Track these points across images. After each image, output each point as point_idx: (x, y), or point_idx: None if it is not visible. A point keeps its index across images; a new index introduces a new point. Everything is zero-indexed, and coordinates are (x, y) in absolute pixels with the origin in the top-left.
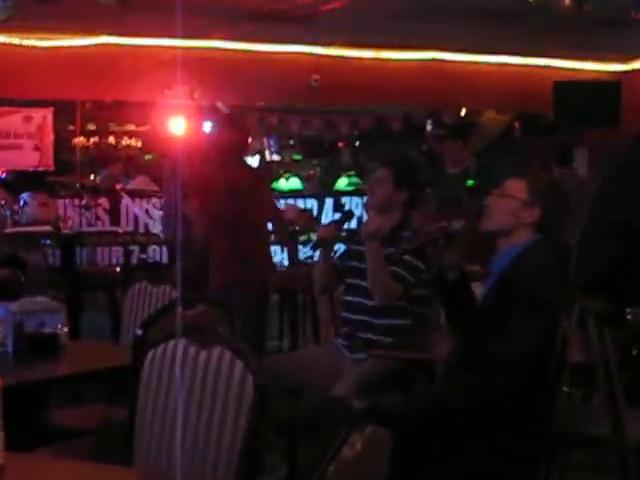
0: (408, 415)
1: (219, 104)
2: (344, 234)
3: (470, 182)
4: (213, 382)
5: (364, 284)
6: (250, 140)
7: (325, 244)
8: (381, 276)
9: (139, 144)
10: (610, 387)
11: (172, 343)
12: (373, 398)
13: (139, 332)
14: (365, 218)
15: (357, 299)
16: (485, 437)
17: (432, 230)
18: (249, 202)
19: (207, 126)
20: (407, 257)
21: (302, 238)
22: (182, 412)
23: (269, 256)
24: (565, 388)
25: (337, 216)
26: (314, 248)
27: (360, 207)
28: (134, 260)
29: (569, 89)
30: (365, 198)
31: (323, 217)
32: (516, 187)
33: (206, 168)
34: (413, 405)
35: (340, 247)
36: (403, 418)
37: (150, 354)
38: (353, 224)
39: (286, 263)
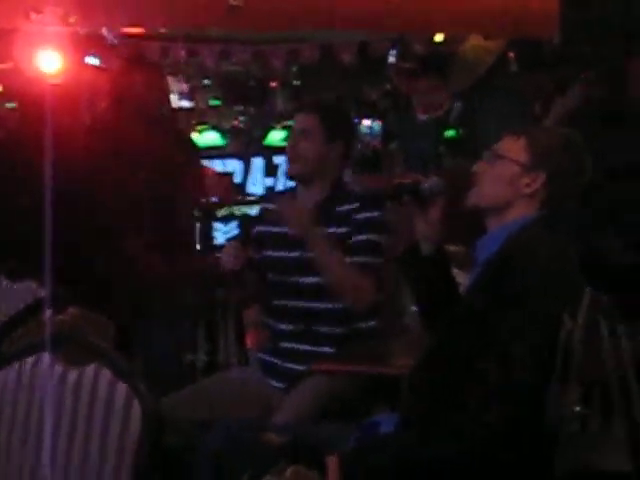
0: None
1: (104, 31)
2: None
3: (450, 133)
4: (87, 411)
5: (307, 280)
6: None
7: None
8: (341, 277)
9: None
10: (628, 408)
11: (31, 360)
12: (297, 428)
13: None
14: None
15: (293, 302)
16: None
17: (393, 184)
18: (172, 181)
19: (91, 62)
20: (365, 236)
21: (220, 213)
22: (47, 453)
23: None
24: (577, 408)
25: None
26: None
27: None
28: None
29: (582, 4)
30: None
31: (249, 184)
32: (513, 146)
33: (99, 128)
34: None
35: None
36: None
37: (1, 374)
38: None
39: (198, 247)
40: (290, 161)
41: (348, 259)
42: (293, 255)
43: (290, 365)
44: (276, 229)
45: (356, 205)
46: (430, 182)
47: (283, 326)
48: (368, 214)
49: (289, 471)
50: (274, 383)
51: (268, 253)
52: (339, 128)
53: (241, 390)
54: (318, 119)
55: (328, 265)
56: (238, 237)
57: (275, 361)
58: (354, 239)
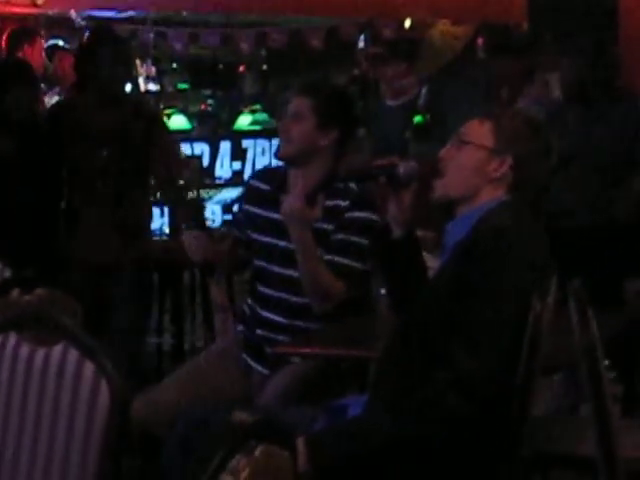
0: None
1: (72, 14)
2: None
3: (418, 118)
4: (54, 390)
5: (289, 272)
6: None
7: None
8: (315, 275)
9: None
10: (597, 391)
11: None
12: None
13: None
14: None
15: (277, 294)
16: (444, 466)
17: (370, 165)
18: (137, 153)
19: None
20: (350, 238)
21: (189, 196)
22: (12, 435)
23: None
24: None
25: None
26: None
27: (268, 153)
28: None
29: None
30: (274, 142)
31: (217, 167)
32: (479, 130)
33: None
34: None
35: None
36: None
37: None
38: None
39: (167, 230)
40: (280, 142)
41: (328, 256)
42: (281, 244)
43: (270, 350)
44: (266, 213)
45: (347, 203)
46: (406, 166)
47: (269, 315)
48: (359, 214)
49: (259, 450)
50: (256, 366)
51: (254, 236)
52: (335, 115)
53: (218, 377)
54: (312, 104)
55: (307, 262)
56: (193, 224)
57: (256, 342)
58: (339, 237)
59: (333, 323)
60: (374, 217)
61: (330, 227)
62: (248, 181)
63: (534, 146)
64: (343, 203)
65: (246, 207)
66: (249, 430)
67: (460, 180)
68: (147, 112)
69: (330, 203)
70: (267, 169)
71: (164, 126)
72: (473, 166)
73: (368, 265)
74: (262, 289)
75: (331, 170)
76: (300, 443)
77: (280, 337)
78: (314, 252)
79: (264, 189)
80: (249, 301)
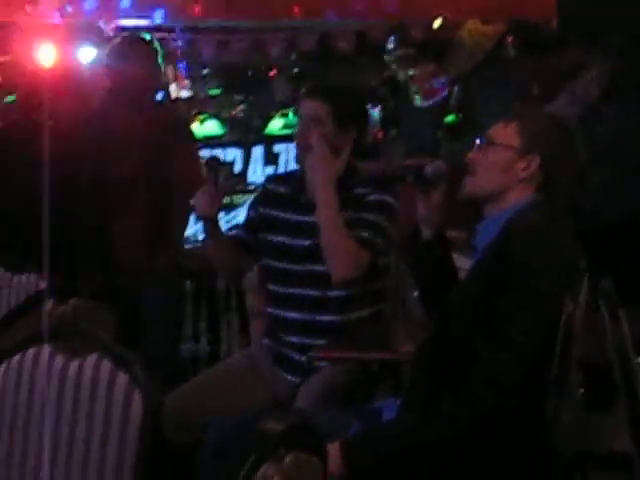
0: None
1: (101, 23)
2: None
3: (450, 118)
4: (88, 401)
5: (308, 267)
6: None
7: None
8: (341, 239)
9: None
10: (631, 390)
11: (32, 351)
12: (297, 415)
13: None
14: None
15: (298, 290)
16: (480, 466)
17: (398, 167)
18: (168, 160)
19: (87, 53)
20: (372, 216)
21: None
22: (48, 446)
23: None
24: (581, 390)
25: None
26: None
27: None
28: None
29: None
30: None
31: (250, 172)
32: (505, 131)
33: (99, 114)
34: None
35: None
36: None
37: (2, 367)
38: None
39: (201, 237)
40: (300, 149)
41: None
42: (304, 243)
43: (299, 357)
44: (285, 214)
45: (368, 189)
46: (433, 166)
47: (289, 314)
48: (379, 197)
49: (288, 458)
50: (286, 375)
51: (269, 237)
52: (352, 116)
53: (248, 381)
54: (328, 107)
55: (330, 224)
56: (210, 182)
57: (283, 351)
58: (357, 216)
59: (350, 316)
60: (390, 199)
61: (358, 215)
62: (264, 185)
63: (561, 145)
64: (364, 190)
65: (263, 209)
66: (278, 438)
67: (489, 179)
68: (172, 121)
69: (350, 194)
70: (282, 174)
71: (192, 137)
72: (501, 166)
73: (388, 249)
74: (275, 288)
75: (349, 165)
76: (335, 448)
77: (308, 337)
78: (336, 210)
79: (282, 192)
80: (269, 308)
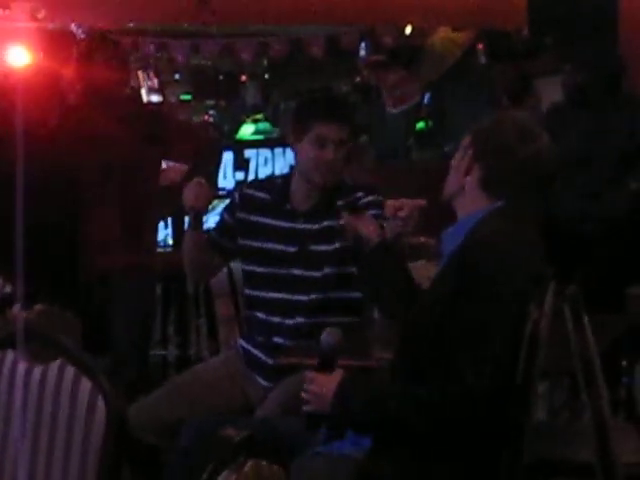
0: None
1: (73, 27)
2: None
3: (420, 125)
4: (51, 407)
5: (294, 272)
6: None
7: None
8: None
9: None
10: (594, 398)
11: None
12: (258, 422)
13: None
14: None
15: (281, 295)
16: (441, 476)
17: None
18: (142, 159)
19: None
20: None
21: None
22: (11, 451)
23: (156, 233)
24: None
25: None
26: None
27: (270, 163)
28: None
29: None
30: (277, 152)
31: (220, 177)
32: (467, 138)
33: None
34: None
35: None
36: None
37: None
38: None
39: (171, 242)
40: (327, 171)
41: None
42: (291, 249)
43: (271, 360)
44: (268, 220)
45: (359, 194)
46: (328, 333)
47: (273, 318)
48: (370, 198)
49: (248, 465)
50: (260, 380)
51: (247, 242)
52: (354, 130)
53: (222, 385)
54: (349, 127)
55: None
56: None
57: (260, 355)
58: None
59: (331, 320)
60: (381, 198)
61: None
62: (240, 190)
63: (526, 153)
64: (356, 195)
65: (240, 214)
66: (237, 446)
67: (451, 179)
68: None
69: (344, 201)
70: (260, 180)
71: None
72: (459, 170)
73: None
74: (256, 292)
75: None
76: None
77: (275, 339)
78: None
79: (263, 197)
80: (249, 312)
